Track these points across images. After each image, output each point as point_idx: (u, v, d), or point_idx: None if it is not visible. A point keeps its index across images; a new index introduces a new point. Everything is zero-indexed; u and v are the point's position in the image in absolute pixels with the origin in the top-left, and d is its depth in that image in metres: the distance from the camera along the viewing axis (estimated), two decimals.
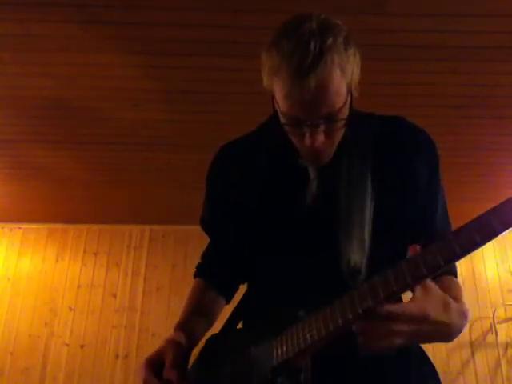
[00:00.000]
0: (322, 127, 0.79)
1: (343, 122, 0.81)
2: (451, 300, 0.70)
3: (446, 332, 0.70)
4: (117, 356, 3.80)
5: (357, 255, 0.82)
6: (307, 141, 0.81)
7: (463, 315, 0.72)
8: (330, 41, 0.76)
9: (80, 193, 3.62)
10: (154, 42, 2.05)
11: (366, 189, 0.85)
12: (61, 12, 1.88)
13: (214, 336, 0.97)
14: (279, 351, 0.79)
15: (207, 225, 1.11)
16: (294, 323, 0.78)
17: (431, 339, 0.70)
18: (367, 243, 0.83)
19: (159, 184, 3.46)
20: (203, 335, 1.00)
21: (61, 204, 3.85)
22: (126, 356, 3.80)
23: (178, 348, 0.90)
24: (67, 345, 3.85)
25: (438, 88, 2.34)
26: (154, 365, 0.88)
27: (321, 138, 0.80)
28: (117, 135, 2.80)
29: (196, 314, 1.02)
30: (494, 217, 0.61)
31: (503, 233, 0.61)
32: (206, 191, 1.09)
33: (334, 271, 0.82)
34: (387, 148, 0.90)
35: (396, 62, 2.15)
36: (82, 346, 3.84)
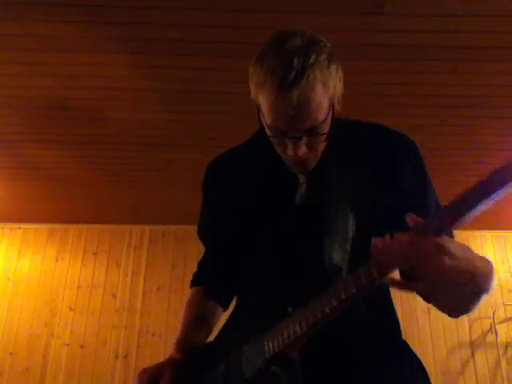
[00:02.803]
0: (303, 140, 0.83)
1: (325, 135, 0.84)
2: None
3: (468, 270, 0.62)
4: (117, 356, 3.80)
5: (339, 254, 0.86)
6: (289, 152, 0.85)
7: (487, 261, 0.66)
8: (313, 57, 0.78)
9: (80, 193, 3.62)
10: (154, 42, 2.05)
11: (351, 192, 0.88)
12: (61, 12, 1.88)
13: (206, 343, 1.00)
14: (270, 345, 0.82)
15: (204, 233, 1.13)
16: (284, 319, 0.82)
17: (454, 276, 0.62)
18: (349, 242, 0.86)
19: (159, 184, 3.46)
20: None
21: (61, 204, 3.85)
22: (126, 356, 3.80)
23: (176, 369, 0.92)
24: (67, 345, 3.85)
25: (438, 88, 2.34)
26: (150, 376, 0.91)
27: (303, 149, 0.84)
28: (117, 135, 2.80)
29: (196, 325, 1.04)
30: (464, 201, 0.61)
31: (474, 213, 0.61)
32: (202, 200, 1.13)
33: (318, 269, 0.86)
34: (371, 152, 0.93)
35: (396, 61, 2.15)
36: (81, 346, 3.84)
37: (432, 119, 2.59)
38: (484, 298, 0.67)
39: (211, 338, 1.04)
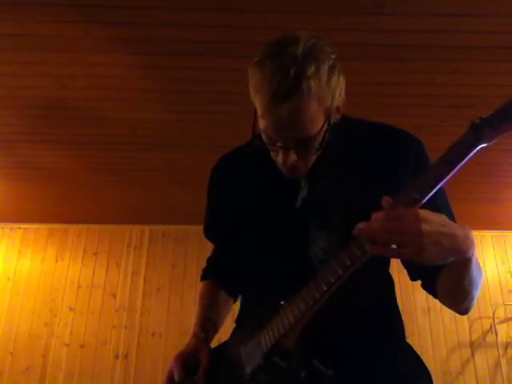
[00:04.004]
0: (294, 150, 0.83)
1: (316, 148, 0.84)
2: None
3: (451, 234, 0.67)
4: (117, 356, 3.80)
5: (326, 246, 0.88)
6: (279, 159, 0.86)
7: (464, 226, 0.71)
8: (311, 69, 0.76)
9: (80, 193, 3.62)
10: (154, 42, 2.04)
11: (351, 193, 0.88)
12: (61, 12, 1.88)
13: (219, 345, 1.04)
14: (267, 338, 0.85)
15: (209, 233, 1.17)
16: (277, 312, 0.84)
17: (438, 245, 0.66)
18: (339, 238, 0.86)
19: (159, 184, 3.46)
20: (218, 329, 1.10)
21: (61, 204, 3.85)
22: (126, 356, 3.80)
23: (209, 350, 0.99)
24: (67, 345, 3.85)
25: (438, 88, 2.34)
26: (186, 362, 0.96)
27: (293, 157, 0.84)
28: (117, 135, 2.79)
29: (212, 311, 1.10)
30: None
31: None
32: (207, 201, 1.15)
33: (305, 263, 0.89)
34: (373, 151, 0.92)
35: (396, 61, 2.15)
36: (81, 346, 3.84)
37: (432, 119, 2.59)
38: (476, 277, 0.76)
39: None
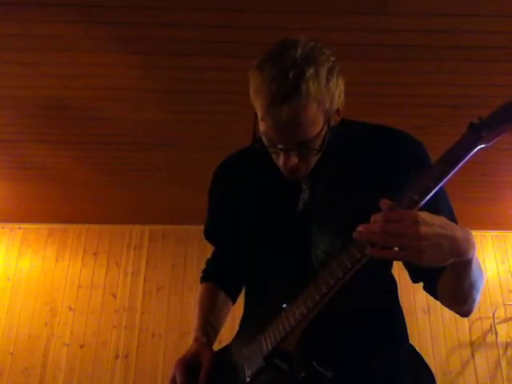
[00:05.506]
0: (294, 152, 0.84)
1: (316, 150, 0.84)
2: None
3: (450, 237, 0.68)
4: (117, 356, 3.80)
5: (328, 249, 0.88)
6: (280, 161, 0.86)
7: (464, 228, 0.71)
8: (310, 72, 0.77)
9: (80, 193, 3.62)
10: (154, 42, 2.04)
11: (350, 196, 0.89)
12: (61, 12, 1.88)
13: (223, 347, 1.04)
14: (268, 341, 0.85)
15: (210, 235, 1.18)
16: (279, 315, 0.85)
17: (438, 247, 0.67)
18: (340, 240, 0.87)
19: (159, 184, 3.46)
20: (218, 333, 1.10)
21: (61, 204, 3.85)
22: (126, 356, 3.80)
23: (211, 353, 0.98)
24: (67, 345, 3.85)
25: (438, 88, 2.34)
26: (189, 366, 0.96)
27: (293, 160, 0.84)
28: (117, 135, 2.79)
29: (212, 315, 1.10)
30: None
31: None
32: (208, 203, 1.16)
33: (307, 265, 0.89)
34: (373, 153, 0.92)
35: (396, 61, 2.15)
36: (81, 346, 3.84)
37: (432, 119, 2.59)
38: (478, 281, 0.77)
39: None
